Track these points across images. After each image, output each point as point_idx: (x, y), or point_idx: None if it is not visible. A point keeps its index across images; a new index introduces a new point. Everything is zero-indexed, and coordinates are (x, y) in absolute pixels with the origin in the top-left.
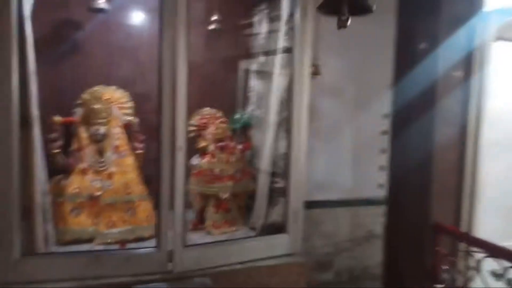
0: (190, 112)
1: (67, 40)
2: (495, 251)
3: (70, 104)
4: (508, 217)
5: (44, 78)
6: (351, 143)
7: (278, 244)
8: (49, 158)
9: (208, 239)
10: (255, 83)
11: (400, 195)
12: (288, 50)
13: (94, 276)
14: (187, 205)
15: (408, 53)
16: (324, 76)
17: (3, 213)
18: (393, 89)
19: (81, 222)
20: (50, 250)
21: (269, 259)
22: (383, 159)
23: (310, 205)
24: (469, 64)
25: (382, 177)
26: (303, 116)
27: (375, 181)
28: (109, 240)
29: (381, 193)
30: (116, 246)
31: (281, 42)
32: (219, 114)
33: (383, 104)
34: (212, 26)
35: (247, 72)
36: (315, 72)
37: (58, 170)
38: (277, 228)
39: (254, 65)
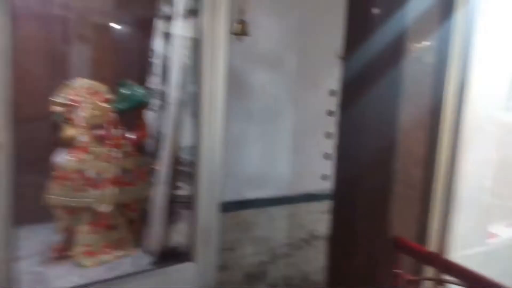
0: (54, 85)
1: None
2: (479, 283)
3: None
4: (481, 218)
5: None
6: (291, 127)
7: (181, 277)
8: None
9: (76, 274)
10: (160, 48)
11: (349, 191)
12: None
13: None
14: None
15: (363, 15)
16: (257, 40)
17: None
18: (344, 59)
19: None
20: None
21: None
22: (329, 146)
23: (240, 205)
24: (446, 21)
25: (327, 167)
26: (218, 92)
27: (318, 172)
28: None
29: (326, 186)
30: None
31: None
32: (102, 88)
33: (330, 78)
34: None
35: (150, 32)
36: (242, 31)
37: None
38: (181, 254)
39: (159, 24)
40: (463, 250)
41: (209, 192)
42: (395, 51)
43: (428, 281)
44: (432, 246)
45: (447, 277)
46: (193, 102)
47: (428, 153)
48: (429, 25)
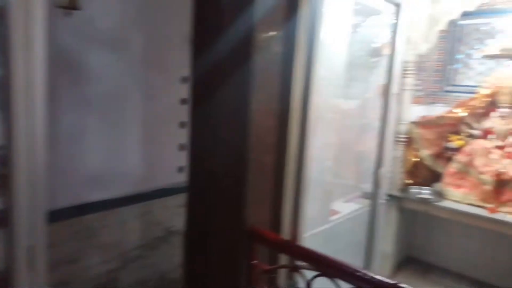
0: None
1: None
2: (329, 267)
3: None
4: (325, 198)
5: None
6: (141, 116)
7: None
8: None
9: None
10: None
11: (204, 183)
12: None
13: None
14: None
15: (212, 2)
16: (93, 16)
17: None
18: (193, 44)
19: None
20: None
21: None
22: (183, 136)
23: (80, 210)
24: (293, 12)
25: (183, 159)
26: (36, 76)
27: (173, 165)
28: None
29: (182, 178)
30: None
31: None
32: None
33: (181, 64)
34: None
35: None
36: (70, 4)
37: None
38: None
39: None
40: (310, 231)
41: (31, 201)
42: (245, 41)
43: (283, 269)
44: (286, 232)
45: (300, 263)
46: (1, 89)
47: (280, 141)
48: (277, 15)
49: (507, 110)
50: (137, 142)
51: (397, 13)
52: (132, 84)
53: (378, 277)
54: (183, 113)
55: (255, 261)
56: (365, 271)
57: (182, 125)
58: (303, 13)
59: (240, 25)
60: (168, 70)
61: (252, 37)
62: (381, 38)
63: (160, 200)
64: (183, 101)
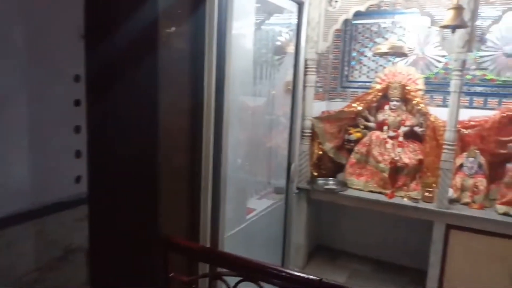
0: None
1: None
2: (252, 271)
3: None
4: (241, 197)
5: None
6: (26, 122)
7: None
8: None
9: None
10: None
11: (109, 191)
12: None
13: None
14: None
15: None
16: None
17: None
18: (87, 39)
19: None
20: None
21: None
22: (80, 141)
23: None
24: (199, 7)
25: (81, 167)
26: None
27: (69, 174)
28: None
29: (81, 189)
30: None
31: None
32: None
33: (74, 61)
34: None
35: None
36: None
37: None
38: None
39: None
40: (228, 232)
41: None
42: (147, 36)
43: (204, 278)
44: (205, 237)
45: (222, 270)
46: None
47: (193, 141)
48: (182, 8)
49: (396, 103)
50: (23, 152)
51: (299, 12)
52: (12, 84)
53: (303, 274)
54: (78, 116)
55: (172, 274)
56: (289, 270)
57: (77, 129)
58: (210, 7)
59: (140, 19)
60: (59, 68)
61: (155, 32)
62: (284, 36)
63: (56, 215)
64: (77, 103)
